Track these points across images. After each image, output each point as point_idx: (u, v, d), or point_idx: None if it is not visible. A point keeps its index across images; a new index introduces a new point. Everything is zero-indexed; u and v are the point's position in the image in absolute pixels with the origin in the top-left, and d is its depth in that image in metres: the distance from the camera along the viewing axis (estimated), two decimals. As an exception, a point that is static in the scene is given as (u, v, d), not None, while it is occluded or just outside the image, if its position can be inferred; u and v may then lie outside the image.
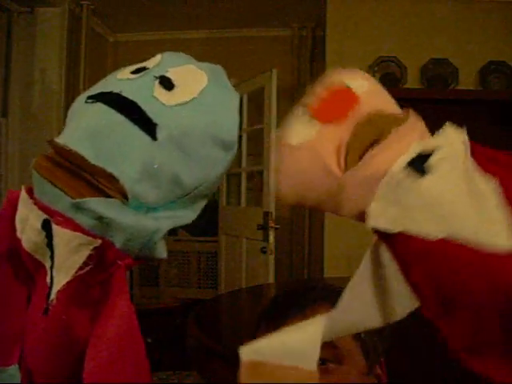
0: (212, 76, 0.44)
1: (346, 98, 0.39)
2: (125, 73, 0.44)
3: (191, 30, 3.95)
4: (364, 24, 3.12)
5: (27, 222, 0.42)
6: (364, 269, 0.40)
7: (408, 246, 0.35)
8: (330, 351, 0.66)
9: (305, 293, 0.73)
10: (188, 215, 0.45)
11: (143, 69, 0.44)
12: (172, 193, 0.42)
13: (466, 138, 0.37)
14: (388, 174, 0.36)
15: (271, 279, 3.09)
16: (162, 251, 0.44)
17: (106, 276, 0.41)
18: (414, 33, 3.06)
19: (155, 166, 0.41)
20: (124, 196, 0.40)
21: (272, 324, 0.70)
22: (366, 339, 0.68)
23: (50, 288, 0.41)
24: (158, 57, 0.46)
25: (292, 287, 0.75)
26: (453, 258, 0.34)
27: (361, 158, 0.37)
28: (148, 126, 0.40)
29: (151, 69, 0.44)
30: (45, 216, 0.41)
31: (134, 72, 0.44)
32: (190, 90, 0.43)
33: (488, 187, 0.35)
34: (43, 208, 0.41)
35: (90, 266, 0.40)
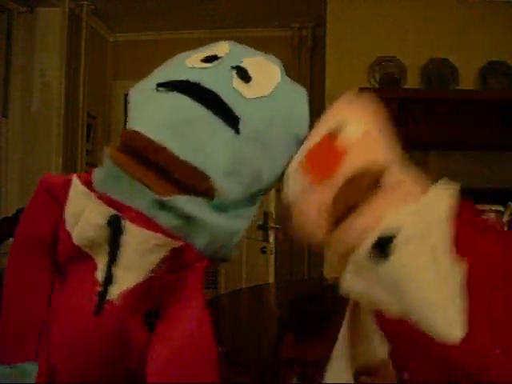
0: (281, 69, 0.43)
1: (334, 154, 0.39)
2: (194, 60, 0.42)
3: (191, 30, 3.94)
4: (364, 24, 3.12)
5: (82, 216, 0.38)
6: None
7: (377, 316, 0.38)
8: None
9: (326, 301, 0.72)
10: (253, 212, 0.42)
11: (214, 57, 0.42)
12: (251, 189, 0.40)
13: (453, 200, 0.37)
14: (356, 254, 0.38)
15: (271, 279, 3.09)
16: (233, 252, 0.42)
17: (178, 278, 0.38)
18: (414, 33, 3.05)
19: (240, 161, 0.38)
20: (208, 193, 0.38)
21: (297, 337, 0.68)
22: None
23: (105, 286, 0.38)
24: (225, 45, 0.43)
25: (311, 292, 0.73)
26: (408, 339, 0.36)
27: (339, 220, 0.39)
28: (231, 119, 0.38)
29: (224, 58, 0.42)
30: (113, 212, 0.37)
31: (204, 60, 0.41)
32: (267, 84, 0.41)
33: (454, 271, 0.35)
34: (112, 203, 0.38)
35: (164, 268, 0.37)
